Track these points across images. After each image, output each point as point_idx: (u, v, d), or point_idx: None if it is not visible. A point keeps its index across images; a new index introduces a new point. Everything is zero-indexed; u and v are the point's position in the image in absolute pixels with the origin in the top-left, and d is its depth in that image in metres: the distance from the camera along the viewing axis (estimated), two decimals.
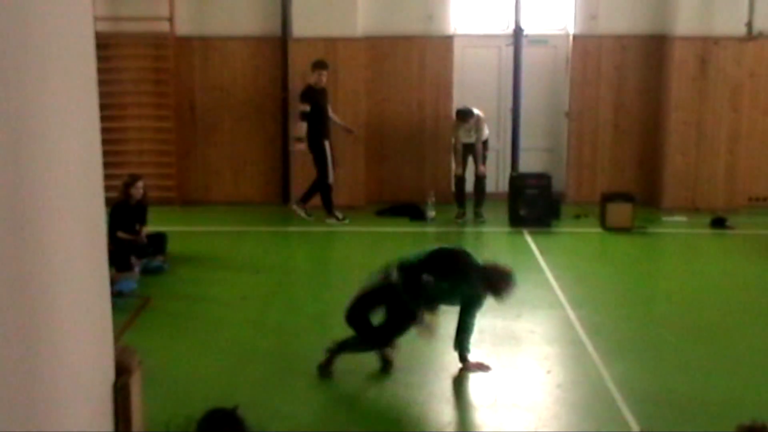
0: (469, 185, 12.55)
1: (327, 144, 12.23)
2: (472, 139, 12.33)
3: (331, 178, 12.30)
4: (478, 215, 12.47)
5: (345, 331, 8.19)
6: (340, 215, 12.29)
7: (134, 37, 13.00)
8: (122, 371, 3.92)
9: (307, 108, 12.09)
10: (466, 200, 12.50)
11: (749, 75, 12.90)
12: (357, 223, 12.29)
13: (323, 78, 12.24)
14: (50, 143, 3.22)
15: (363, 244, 11.60)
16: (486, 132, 12.48)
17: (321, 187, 12.29)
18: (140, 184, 10.15)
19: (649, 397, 6.86)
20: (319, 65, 12.26)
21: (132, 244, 9.94)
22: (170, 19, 12.88)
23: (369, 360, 7.53)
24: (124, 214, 10.02)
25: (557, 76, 13.58)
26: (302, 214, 12.38)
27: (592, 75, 13.26)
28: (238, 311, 8.89)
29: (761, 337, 8.28)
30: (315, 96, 12.18)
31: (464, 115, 12.23)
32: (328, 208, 12.30)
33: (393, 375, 7.20)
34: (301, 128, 12.21)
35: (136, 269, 9.76)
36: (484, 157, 12.50)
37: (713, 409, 6.60)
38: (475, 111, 12.28)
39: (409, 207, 12.72)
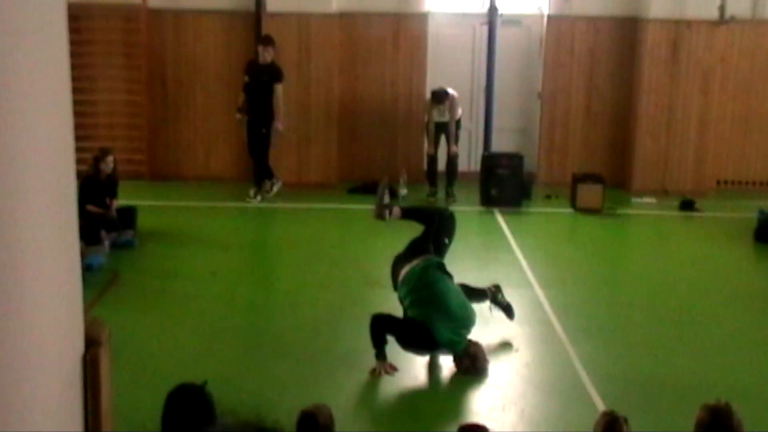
0: (441, 164, 12.57)
1: (246, 119, 12.21)
2: (445, 119, 12.34)
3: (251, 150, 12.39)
4: (449, 194, 12.50)
5: (313, 308, 8.25)
6: (252, 194, 12.28)
7: (106, 9, 12.80)
8: (92, 344, 3.82)
9: (247, 80, 12.14)
10: (438, 179, 12.52)
11: (720, 60, 12.97)
12: (329, 201, 12.27)
13: (265, 54, 12.07)
14: (20, 115, 3.18)
15: (335, 222, 11.59)
16: (459, 112, 12.48)
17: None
18: (110, 158, 10.05)
19: (615, 377, 6.94)
20: (260, 41, 12.17)
21: (102, 218, 9.86)
22: None
23: (341, 335, 7.58)
24: (94, 188, 9.92)
25: (531, 57, 13.59)
26: (275, 188, 12.38)
27: (566, 56, 13.28)
28: (208, 287, 8.86)
29: (727, 319, 8.38)
30: (251, 70, 12.12)
31: (439, 97, 12.21)
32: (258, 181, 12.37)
33: (361, 352, 7.20)
34: (237, 99, 12.25)
35: (106, 243, 9.66)
36: (457, 137, 12.51)
37: (678, 389, 6.68)
38: (450, 91, 12.28)
39: None
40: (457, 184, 12.60)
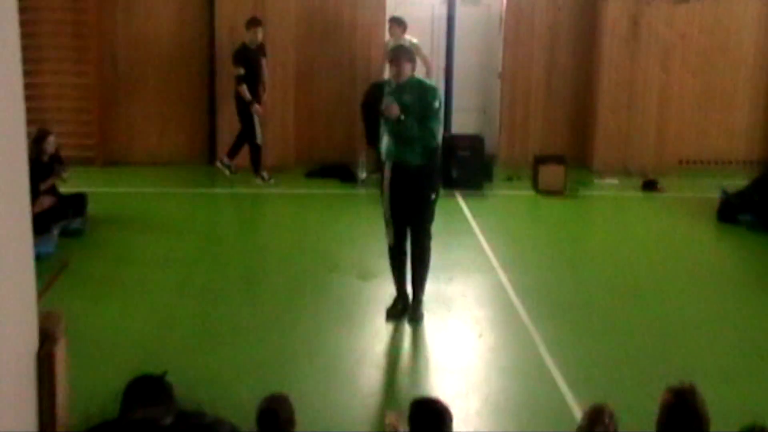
0: None
1: (253, 108, 11.78)
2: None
3: (259, 139, 11.96)
4: None
5: (272, 294, 8.06)
6: (266, 176, 11.97)
7: None
8: (47, 339, 3.74)
9: (241, 71, 11.65)
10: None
11: (680, 36, 12.92)
12: (285, 185, 12.02)
13: (258, 36, 11.83)
14: None
15: (291, 207, 11.38)
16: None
17: (251, 147, 11.94)
18: (52, 138, 9.66)
19: (579, 359, 6.91)
20: (254, 22, 11.81)
21: (52, 191, 9.54)
22: None
23: (301, 321, 7.43)
24: (38, 171, 9.51)
25: (490, 36, 13.44)
26: (225, 171, 12.04)
27: (526, 35, 13.13)
28: (162, 274, 8.66)
29: (691, 300, 8.36)
30: (248, 56, 11.76)
31: (399, 21, 11.77)
32: (256, 167, 11.99)
33: (322, 339, 7.04)
34: (245, 91, 11.66)
35: (54, 231, 9.35)
36: None
37: (643, 370, 6.63)
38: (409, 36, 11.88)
39: (340, 168, 12.47)
40: None
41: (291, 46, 12.58)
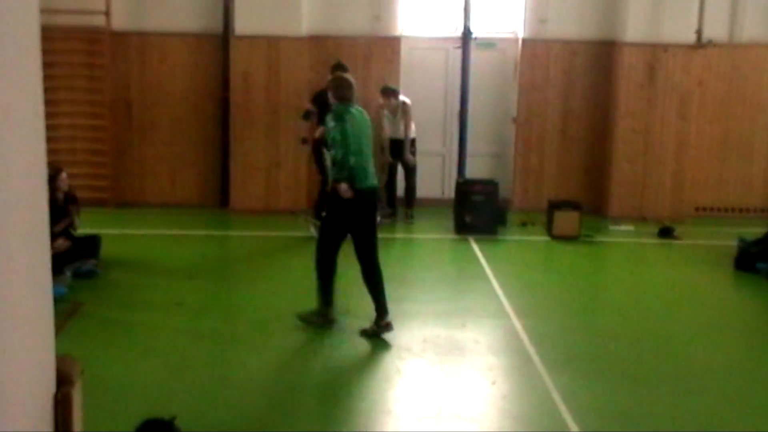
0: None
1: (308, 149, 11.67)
2: (399, 134, 12.11)
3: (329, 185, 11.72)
4: (408, 216, 12.30)
5: (284, 339, 7.95)
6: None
7: (68, 31, 12.54)
8: (63, 382, 3.73)
9: (309, 107, 11.58)
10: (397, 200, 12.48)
11: (697, 83, 12.87)
12: (298, 228, 11.97)
13: None
14: None
15: (303, 250, 11.28)
16: (413, 127, 12.21)
17: (320, 191, 11.65)
18: (64, 175, 9.64)
19: (594, 408, 6.74)
20: (341, 68, 11.34)
21: (68, 233, 9.53)
22: (106, 13, 12.47)
23: (312, 366, 7.35)
24: (53, 213, 9.50)
25: (505, 81, 13.42)
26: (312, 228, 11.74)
27: (541, 80, 13.13)
28: (174, 318, 8.58)
29: (707, 349, 8.20)
30: (327, 102, 11.62)
31: (391, 91, 11.98)
32: (317, 213, 11.76)
33: (333, 385, 6.97)
34: (299, 127, 11.78)
35: (67, 273, 9.31)
36: (413, 152, 12.23)
37: (659, 421, 6.48)
38: (402, 96, 12.07)
39: None
40: (431, 211, 12.40)
41: (304, 91, 12.61)
